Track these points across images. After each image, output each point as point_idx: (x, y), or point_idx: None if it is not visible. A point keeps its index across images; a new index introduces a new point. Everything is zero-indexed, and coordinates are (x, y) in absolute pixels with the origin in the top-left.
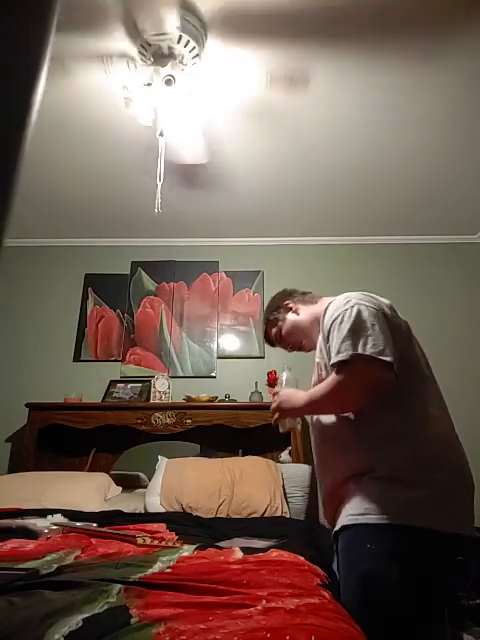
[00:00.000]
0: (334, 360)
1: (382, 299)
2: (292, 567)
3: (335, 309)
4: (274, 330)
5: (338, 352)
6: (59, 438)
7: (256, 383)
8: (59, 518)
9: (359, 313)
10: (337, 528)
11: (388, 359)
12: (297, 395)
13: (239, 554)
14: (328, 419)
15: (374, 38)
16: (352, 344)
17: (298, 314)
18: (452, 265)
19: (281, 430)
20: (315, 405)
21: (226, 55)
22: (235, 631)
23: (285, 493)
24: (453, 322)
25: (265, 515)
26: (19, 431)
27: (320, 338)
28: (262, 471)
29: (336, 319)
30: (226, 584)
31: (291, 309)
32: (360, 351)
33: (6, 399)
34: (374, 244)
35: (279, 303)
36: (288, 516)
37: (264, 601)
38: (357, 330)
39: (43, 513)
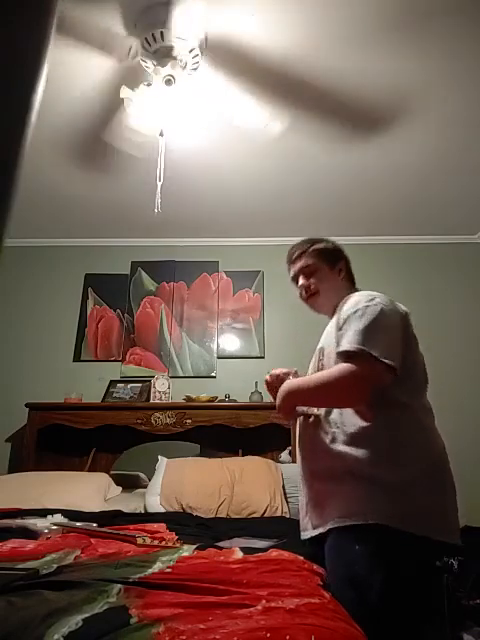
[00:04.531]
0: (342, 348)
1: (402, 306)
2: (292, 567)
3: (357, 301)
4: (309, 264)
5: (349, 342)
6: (59, 438)
7: (256, 383)
8: (59, 518)
9: (381, 312)
10: (323, 530)
11: (393, 364)
12: (282, 388)
13: (239, 554)
14: (320, 421)
15: (374, 38)
16: (365, 339)
17: (339, 276)
18: (452, 265)
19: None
20: (309, 391)
21: (226, 53)
22: (235, 631)
23: (285, 493)
24: (453, 322)
25: (265, 515)
26: (19, 431)
27: (333, 323)
28: (262, 471)
29: (357, 311)
30: (226, 584)
31: (337, 269)
32: (370, 348)
33: (6, 399)
34: (374, 244)
35: (334, 252)
36: (288, 516)
37: (264, 601)
38: (374, 328)
39: (43, 513)
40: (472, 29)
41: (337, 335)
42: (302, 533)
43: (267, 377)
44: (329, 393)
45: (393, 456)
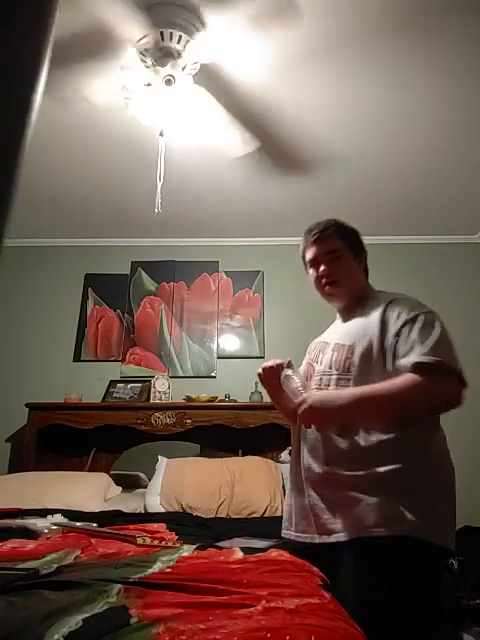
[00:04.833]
0: (418, 359)
1: None
2: (292, 567)
3: (411, 307)
4: (337, 248)
5: (422, 353)
6: (59, 438)
7: (256, 383)
8: (59, 518)
9: (442, 325)
10: (345, 537)
11: (466, 380)
12: (334, 395)
13: (239, 554)
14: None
15: (372, 35)
16: (441, 351)
17: (360, 267)
18: (452, 265)
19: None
20: (376, 404)
21: (226, 53)
22: (235, 631)
23: (285, 493)
24: (453, 322)
25: (265, 515)
26: (19, 431)
27: (367, 322)
28: (262, 471)
29: (414, 318)
30: (226, 584)
31: (359, 260)
32: (447, 360)
33: (6, 399)
34: (373, 244)
35: (360, 241)
36: None
37: (264, 601)
38: (443, 340)
39: (43, 513)
40: (467, 28)
41: (379, 337)
42: (297, 535)
43: (260, 371)
44: (406, 407)
45: (426, 470)
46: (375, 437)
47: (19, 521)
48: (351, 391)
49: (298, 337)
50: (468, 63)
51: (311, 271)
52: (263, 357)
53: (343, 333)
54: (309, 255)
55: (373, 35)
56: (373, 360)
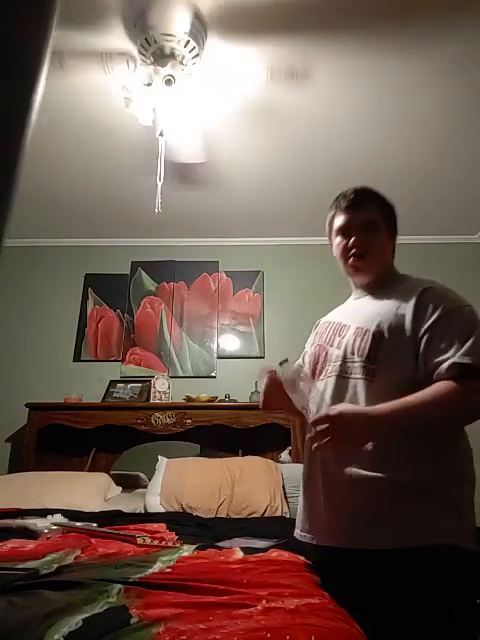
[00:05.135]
0: (456, 360)
1: None
2: (292, 567)
3: (450, 299)
4: (374, 219)
5: (460, 354)
6: (59, 438)
7: (256, 383)
8: (59, 518)
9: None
10: (375, 546)
11: None
12: (362, 418)
13: (239, 554)
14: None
15: (374, 37)
16: None
17: (390, 246)
18: (452, 265)
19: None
20: (400, 427)
21: (226, 53)
22: (235, 631)
23: (285, 493)
24: None
25: (265, 515)
26: (19, 431)
27: (397, 307)
28: (262, 471)
29: (453, 311)
30: (226, 584)
31: (392, 237)
32: None
33: (6, 399)
34: None
35: (394, 219)
36: (288, 516)
37: (264, 601)
38: None
39: (43, 513)
40: (463, 28)
41: (411, 323)
42: (314, 535)
43: (267, 380)
44: (441, 420)
45: (455, 471)
46: (405, 434)
47: (19, 521)
48: (382, 412)
49: (298, 337)
50: (466, 63)
51: (338, 239)
52: (263, 357)
53: (366, 316)
54: (339, 222)
55: (372, 32)
56: (402, 350)
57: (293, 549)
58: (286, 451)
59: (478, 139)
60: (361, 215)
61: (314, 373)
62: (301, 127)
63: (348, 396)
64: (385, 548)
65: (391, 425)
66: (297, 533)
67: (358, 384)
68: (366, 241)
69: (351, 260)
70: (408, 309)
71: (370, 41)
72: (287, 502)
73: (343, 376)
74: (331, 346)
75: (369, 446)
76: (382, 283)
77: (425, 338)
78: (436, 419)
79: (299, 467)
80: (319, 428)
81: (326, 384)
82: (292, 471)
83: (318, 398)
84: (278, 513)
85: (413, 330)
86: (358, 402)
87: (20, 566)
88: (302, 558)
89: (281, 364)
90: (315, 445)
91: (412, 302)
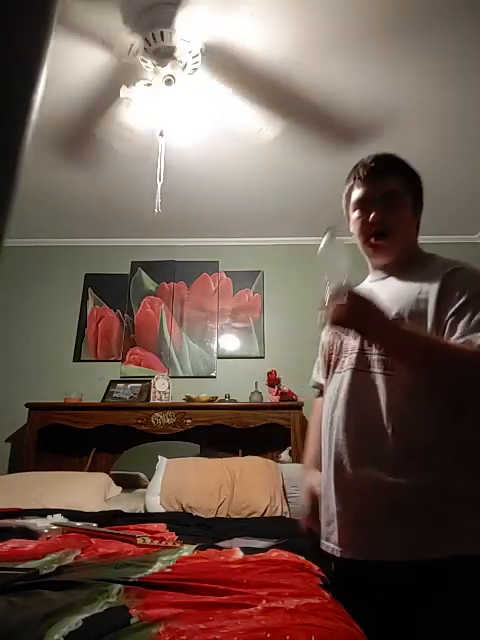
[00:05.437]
0: None
1: None
2: (292, 567)
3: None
4: (397, 190)
5: None
6: (59, 438)
7: (256, 383)
8: (59, 518)
9: None
10: (396, 558)
11: None
12: (385, 311)
13: (239, 554)
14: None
15: (373, 36)
16: None
17: (414, 222)
18: None
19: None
20: (418, 344)
21: (224, 59)
22: (235, 631)
23: (285, 493)
24: None
25: (265, 515)
26: (19, 431)
27: (419, 289)
28: (262, 471)
29: None
30: (226, 584)
31: (416, 211)
32: None
33: (6, 399)
34: None
35: (420, 191)
36: (288, 516)
37: (264, 601)
38: None
39: (43, 513)
40: (462, 30)
41: (440, 313)
42: (337, 549)
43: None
44: (460, 372)
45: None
46: (429, 433)
47: (19, 521)
48: (402, 324)
49: (298, 337)
50: (466, 63)
51: (356, 214)
52: (263, 357)
53: (385, 301)
54: (357, 194)
55: (374, 34)
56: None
57: (293, 549)
58: (286, 451)
59: (478, 139)
60: (382, 186)
61: (329, 365)
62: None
63: (367, 392)
64: (409, 560)
65: (405, 341)
66: (322, 543)
67: (377, 379)
68: (387, 217)
69: (371, 239)
70: (431, 293)
71: (370, 42)
72: (287, 502)
73: (360, 369)
74: (346, 334)
75: (390, 441)
76: (404, 264)
77: (450, 322)
78: (447, 369)
79: (299, 467)
80: (334, 301)
81: (342, 378)
82: (292, 471)
83: (333, 394)
84: (278, 513)
85: (437, 316)
86: (378, 399)
87: (20, 566)
88: (302, 558)
89: (326, 232)
90: (324, 317)
91: (436, 285)
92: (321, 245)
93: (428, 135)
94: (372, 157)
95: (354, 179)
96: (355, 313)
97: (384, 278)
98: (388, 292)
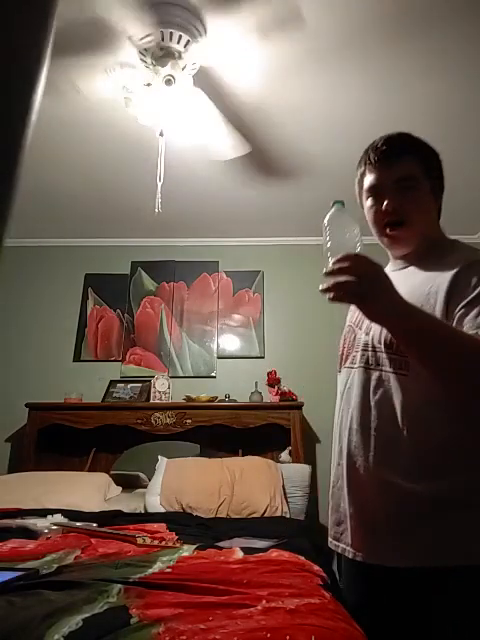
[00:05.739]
0: None
1: None
2: (292, 567)
3: None
4: (413, 174)
5: None
6: (59, 438)
7: (256, 383)
8: (59, 518)
9: None
10: (410, 564)
11: None
12: (393, 285)
13: (239, 554)
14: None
15: (373, 37)
16: None
17: (434, 206)
18: None
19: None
20: (428, 327)
21: (226, 52)
22: (235, 631)
23: (285, 493)
24: None
25: (265, 515)
26: (19, 431)
27: (433, 282)
28: (262, 471)
29: None
30: (226, 584)
31: (436, 194)
32: None
33: (6, 399)
34: (374, 244)
35: (439, 171)
36: (288, 516)
37: (264, 601)
38: None
39: (43, 513)
40: (458, 29)
41: (449, 306)
42: (350, 551)
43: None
44: (467, 363)
45: None
46: (444, 437)
47: (19, 521)
48: (408, 301)
49: (298, 337)
50: (465, 65)
51: (369, 202)
52: (263, 357)
53: (404, 293)
54: (369, 181)
55: (374, 36)
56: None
57: (293, 549)
58: (286, 451)
59: (478, 139)
60: (395, 171)
61: (342, 358)
62: (301, 126)
63: (379, 392)
64: (420, 566)
65: (409, 318)
66: (330, 541)
67: (390, 378)
68: (403, 204)
69: (387, 230)
70: (442, 286)
71: (370, 41)
72: (287, 502)
73: (370, 368)
74: (360, 329)
75: (405, 440)
76: (424, 253)
77: (458, 314)
78: (450, 354)
79: (299, 467)
80: (337, 266)
81: (353, 375)
82: (292, 471)
83: (344, 390)
84: (278, 513)
85: (445, 307)
86: (392, 400)
87: (20, 566)
88: (302, 558)
89: (334, 203)
90: (325, 287)
91: (448, 277)
92: (328, 216)
93: (427, 136)
94: (383, 139)
95: (365, 164)
96: (355, 284)
97: (403, 268)
98: (410, 284)
